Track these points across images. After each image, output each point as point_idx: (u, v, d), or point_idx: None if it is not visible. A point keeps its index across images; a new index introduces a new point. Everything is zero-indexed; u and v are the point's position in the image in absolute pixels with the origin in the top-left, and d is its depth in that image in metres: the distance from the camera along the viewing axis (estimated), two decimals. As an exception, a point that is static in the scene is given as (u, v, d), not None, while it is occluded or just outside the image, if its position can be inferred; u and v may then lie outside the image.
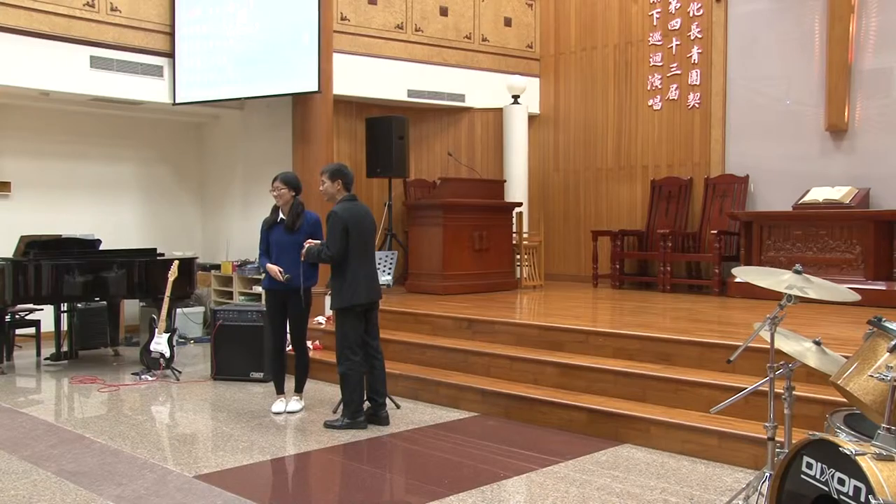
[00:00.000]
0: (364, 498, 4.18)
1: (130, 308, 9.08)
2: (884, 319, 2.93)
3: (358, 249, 5.24)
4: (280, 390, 5.91)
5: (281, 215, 5.75)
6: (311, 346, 7.38)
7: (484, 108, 10.18)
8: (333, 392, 6.35)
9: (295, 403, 5.88)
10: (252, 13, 8.49)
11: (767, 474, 3.30)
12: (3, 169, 8.83)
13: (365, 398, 5.42)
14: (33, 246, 7.32)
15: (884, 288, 7.08)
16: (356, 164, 9.50)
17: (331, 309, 5.46)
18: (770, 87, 8.54)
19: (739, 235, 8.25)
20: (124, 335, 8.76)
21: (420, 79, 9.59)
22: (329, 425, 5.33)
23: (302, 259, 5.44)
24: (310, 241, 5.41)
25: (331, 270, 5.33)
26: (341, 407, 5.42)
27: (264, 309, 6.16)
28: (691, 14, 9.13)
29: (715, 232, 8.35)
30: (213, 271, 9.68)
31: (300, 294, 5.71)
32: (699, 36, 9.07)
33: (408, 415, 5.71)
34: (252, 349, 6.87)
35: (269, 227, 5.78)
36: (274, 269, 5.58)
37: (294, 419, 5.72)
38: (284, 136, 9.03)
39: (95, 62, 7.98)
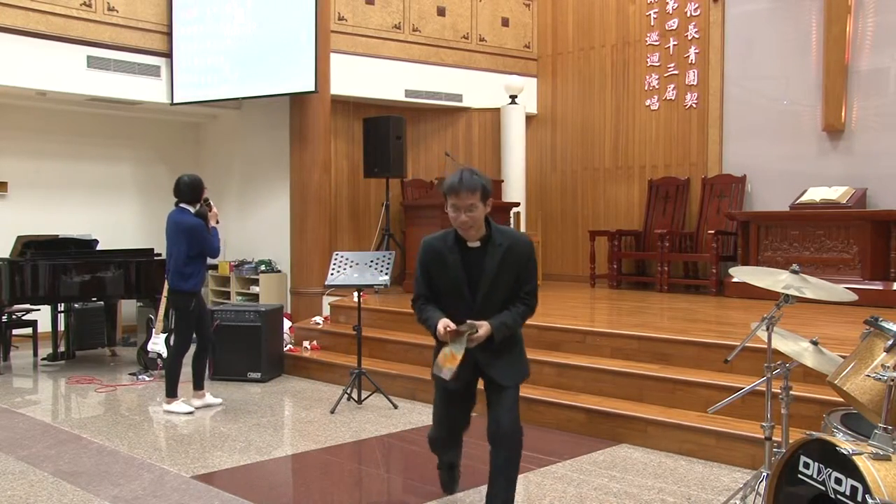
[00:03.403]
0: (362, 498, 4.19)
1: (128, 308, 9.08)
2: (881, 319, 2.93)
3: None
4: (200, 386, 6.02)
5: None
6: (308, 347, 7.40)
7: (481, 108, 10.18)
8: (331, 392, 6.36)
9: (211, 398, 6.04)
10: (249, 13, 8.48)
11: (765, 474, 3.30)
12: (1, 169, 8.81)
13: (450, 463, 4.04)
14: (30, 246, 7.32)
15: (881, 288, 7.09)
16: (354, 164, 9.50)
17: (511, 383, 3.49)
18: (767, 87, 8.54)
19: (737, 235, 8.25)
20: (122, 335, 8.75)
21: (418, 79, 9.59)
22: None
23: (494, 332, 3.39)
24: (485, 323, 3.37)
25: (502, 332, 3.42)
26: (338, 406, 5.34)
27: (189, 311, 5.81)
28: (689, 14, 9.13)
29: (712, 232, 8.35)
30: (210, 271, 9.67)
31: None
32: (696, 36, 9.07)
33: (405, 415, 5.71)
34: (250, 349, 6.87)
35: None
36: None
37: (291, 419, 5.71)
38: (282, 136, 9.03)
39: (93, 62, 7.97)
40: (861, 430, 2.90)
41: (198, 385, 5.96)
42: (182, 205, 5.74)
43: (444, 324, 3.31)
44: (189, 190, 5.72)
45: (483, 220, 3.38)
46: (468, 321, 3.30)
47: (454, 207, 3.32)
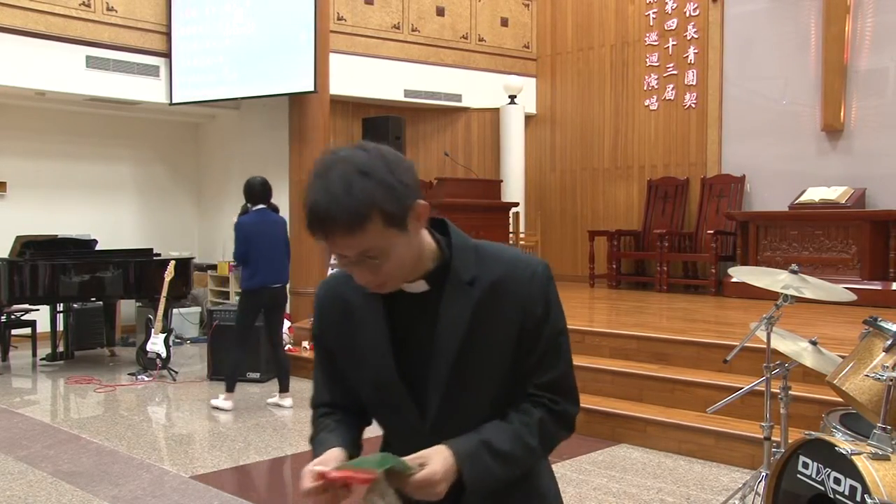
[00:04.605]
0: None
1: (127, 308, 9.07)
2: (879, 319, 2.93)
3: None
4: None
5: None
6: (308, 347, 7.40)
7: (481, 108, 10.18)
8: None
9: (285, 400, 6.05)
10: (248, 13, 8.48)
11: (764, 474, 3.30)
12: (0, 169, 8.81)
13: None
14: (29, 246, 7.32)
15: (880, 288, 7.09)
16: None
17: None
18: (766, 87, 8.54)
19: (736, 235, 8.25)
20: (121, 335, 8.74)
21: (417, 79, 9.58)
22: None
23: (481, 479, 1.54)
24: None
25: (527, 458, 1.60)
26: None
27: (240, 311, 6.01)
28: (688, 14, 9.13)
29: (711, 232, 8.35)
30: (209, 271, 9.67)
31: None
32: (696, 36, 9.08)
33: (405, 415, 5.70)
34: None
35: None
36: None
37: (290, 419, 5.71)
38: (281, 137, 9.02)
39: (92, 62, 7.96)
40: (860, 429, 2.90)
41: (230, 386, 5.95)
42: (261, 206, 5.83)
43: (317, 466, 1.40)
44: (264, 190, 5.84)
45: (419, 249, 1.39)
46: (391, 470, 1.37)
47: (339, 258, 1.36)
